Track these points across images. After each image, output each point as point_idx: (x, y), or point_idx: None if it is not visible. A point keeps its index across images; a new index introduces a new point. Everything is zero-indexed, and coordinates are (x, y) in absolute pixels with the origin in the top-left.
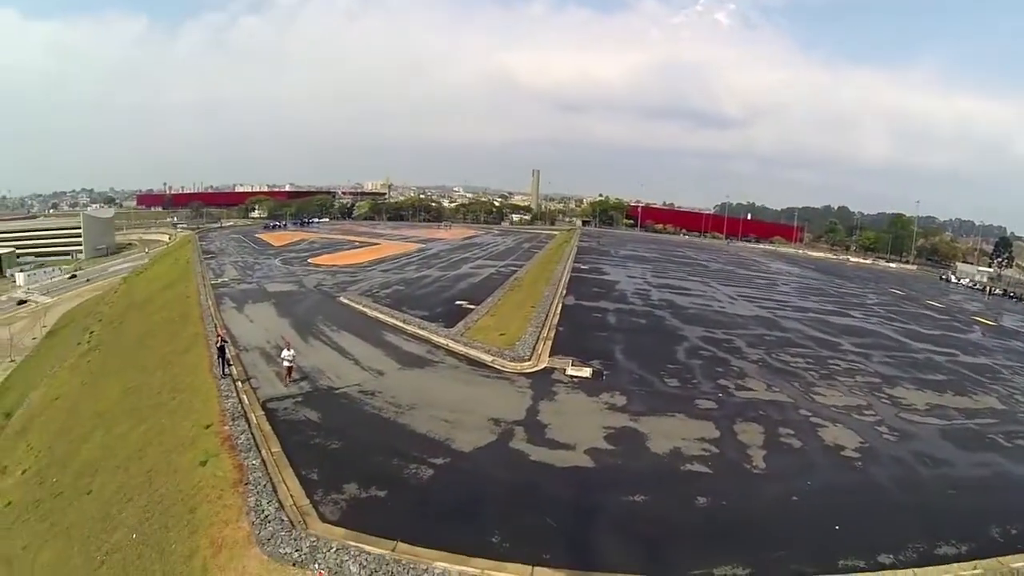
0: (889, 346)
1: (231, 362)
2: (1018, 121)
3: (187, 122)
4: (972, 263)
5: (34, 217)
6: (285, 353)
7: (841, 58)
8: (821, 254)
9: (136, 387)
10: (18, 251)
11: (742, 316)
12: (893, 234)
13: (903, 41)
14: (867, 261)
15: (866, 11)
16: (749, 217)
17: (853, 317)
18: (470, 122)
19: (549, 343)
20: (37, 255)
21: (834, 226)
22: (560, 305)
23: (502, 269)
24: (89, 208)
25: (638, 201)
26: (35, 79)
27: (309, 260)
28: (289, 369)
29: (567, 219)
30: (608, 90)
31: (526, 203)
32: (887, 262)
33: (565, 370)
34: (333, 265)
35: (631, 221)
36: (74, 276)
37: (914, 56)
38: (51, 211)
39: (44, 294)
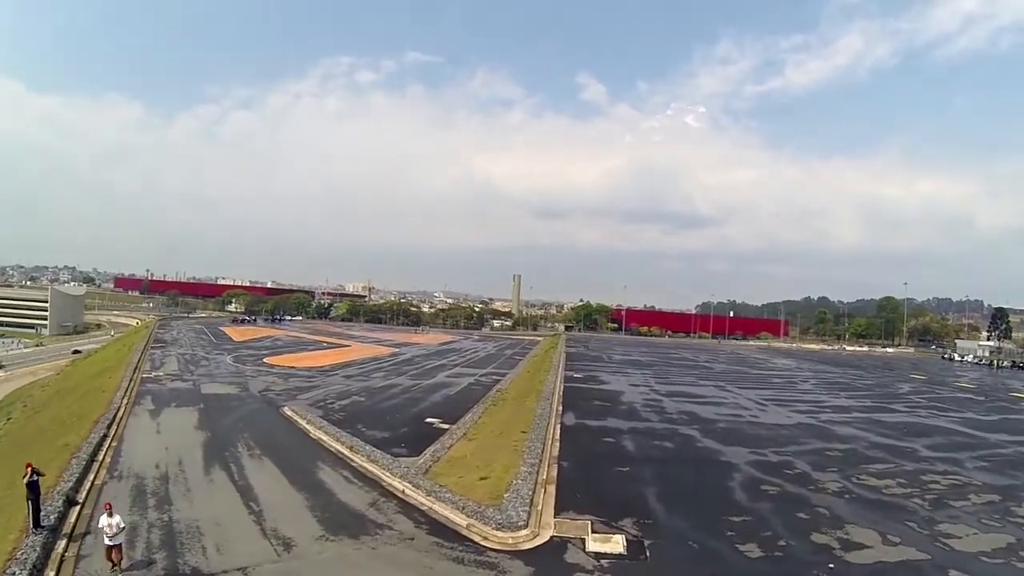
0: (968, 443)
1: (72, 507)
2: (980, 196)
3: (176, 211)
4: (965, 339)
5: (10, 286)
6: (104, 522)
7: (808, 152)
8: (815, 346)
9: None
10: None
11: (784, 426)
12: (884, 318)
13: (865, 132)
14: (863, 348)
15: (829, 106)
16: (732, 315)
17: (900, 412)
18: (451, 227)
19: (552, 490)
20: (0, 324)
21: (824, 316)
22: (558, 428)
23: (482, 379)
24: (64, 285)
25: (619, 305)
26: (31, 152)
27: (265, 359)
28: (111, 550)
29: (549, 324)
30: (587, 195)
31: (507, 309)
32: (883, 347)
33: (584, 542)
34: (291, 367)
35: (615, 325)
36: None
37: (876, 144)
38: (27, 283)
39: None
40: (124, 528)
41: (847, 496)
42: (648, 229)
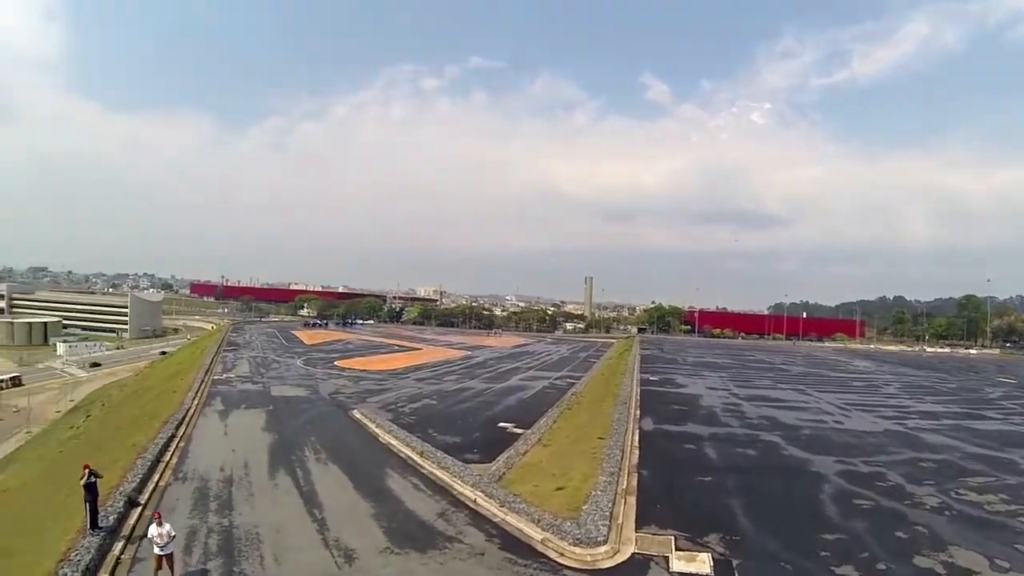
0: None
1: (134, 508)
2: None
3: (249, 219)
4: None
5: (92, 292)
6: (154, 531)
7: (875, 145)
8: (894, 347)
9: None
10: (66, 322)
11: (870, 434)
12: (965, 318)
13: (934, 121)
14: (944, 350)
15: (895, 96)
16: (805, 316)
17: (993, 419)
18: (521, 231)
19: (632, 501)
20: (84, 328)
21: (901, 316)
22: (637, 433)
23: (557, 382)
24: (143, 292)
25: (692, 306)
26: (109, 168)
27: (336, 362)
28: (161, 560)
29: (622, 327)
30: (654, 197)
31: (580, 311)
32: (965, 349)
33: (667, 560)
34: (362, 370)
35: (687, 327)
36: (97, 364)
37: (946, 134)
38: (110, 290)
39: (81, 368)
40: (174, 537)
41: (947, 513)
42: (716, 229)
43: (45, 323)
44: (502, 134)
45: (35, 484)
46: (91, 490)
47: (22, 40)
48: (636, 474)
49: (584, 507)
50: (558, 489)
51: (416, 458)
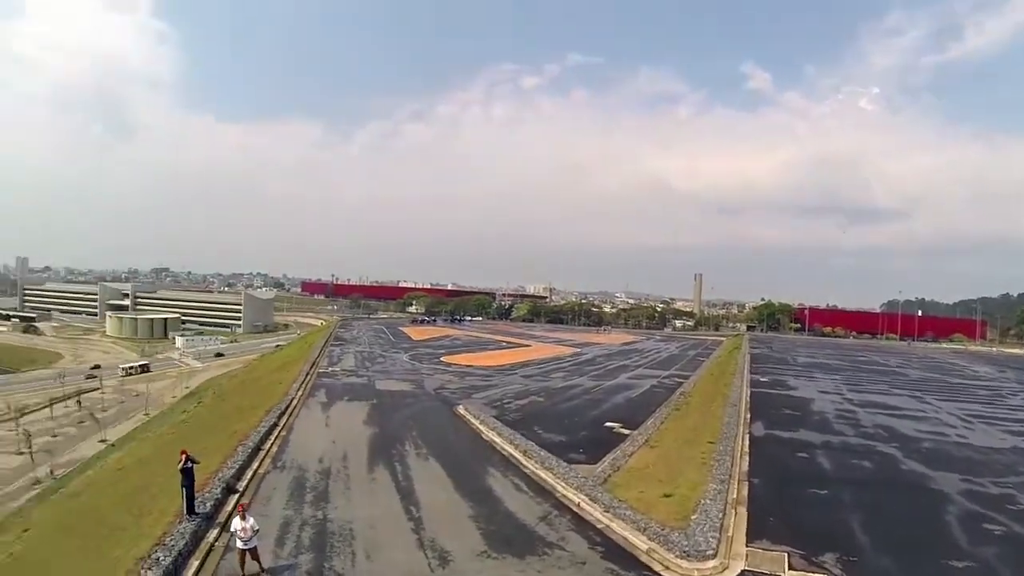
0: None
1: (231, 495)
2: None
3: (359, 219)
4: None
5: (209, 291)
6: (238, 525)
7: (994, 127)
8: (1020, 350)
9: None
10: (184, 318)
11: (998, 450)
12: None
13: None
14: None
15: (1013, 70)
16: (920, 314)
17: None
18: (629, 227)
19: (743, 512)
20: (200, 324)
21: None
22: (747, 438)
23: (665, 380)
24: (256, 290)
25: (801, 304)
26: (223, 175)
27: (443, 358)
28: (244, 554)
29: (730, 325)
30: (760, 190)
31: (688, 308)
32: None
33: None
34: (468, 366)
35: (797, 325)
36: (221, 355)
37: None
38: (225, 289)
39: (196, 359)
40: (258, 531)
41: None
42: (826, 224)
43: (165, 319)
44: (605, 130)
45: (147, 463)
46: (188, 475)
47: (138, 62)
48: (747, 483)
49: (693, 517)
50: (665, 496)
51: (519, 457)
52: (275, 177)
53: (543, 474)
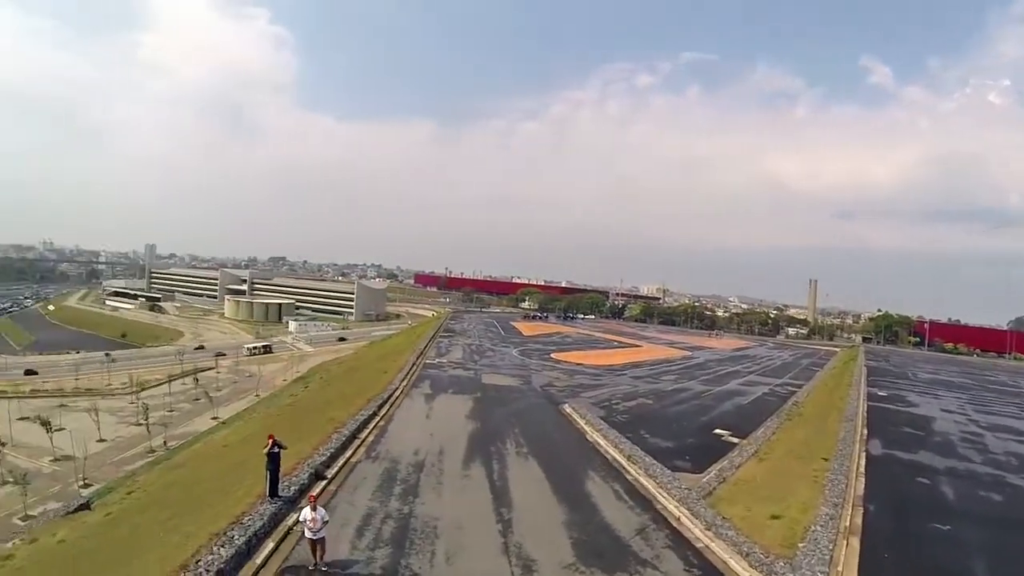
0: None
1: (319, 481)
2: None
3: (473, 215)
4: None
5: (323, 279)
6: (307, 515)
7: None
8: None
9: (215, 473)
10: (298, 304)
11: None
12: None
13: None
14: None
15: None
16: None
17: None
18: (744, 229)
19: (855, 544)
20: (314, 310)
21: None
22: (863, 457)
23: (777, 389)
24: (369, 280)
25: (921, 317)
26: (341, 170)
27: (552, 355)
28: (314, 544)
29: (845, 335)
30: (880, 192)
31: (802, 316)
32: None
33: None
34: (577, 364)
35: (916, 339)
36: (344, 339)
37: None
38: (339, 278)
39: (308, 344)
40: (328, 523)
41: None
42: (950, 230)
43: (280, 304)
44: (719, 129)
45: (248, 442)
46: (273, 459)
47: (258, 66)
48: (861, 508)
49: (801, 545)
50: (773, 517)
51: (622, 461)
52: (391, 173)
53: (645, 482)
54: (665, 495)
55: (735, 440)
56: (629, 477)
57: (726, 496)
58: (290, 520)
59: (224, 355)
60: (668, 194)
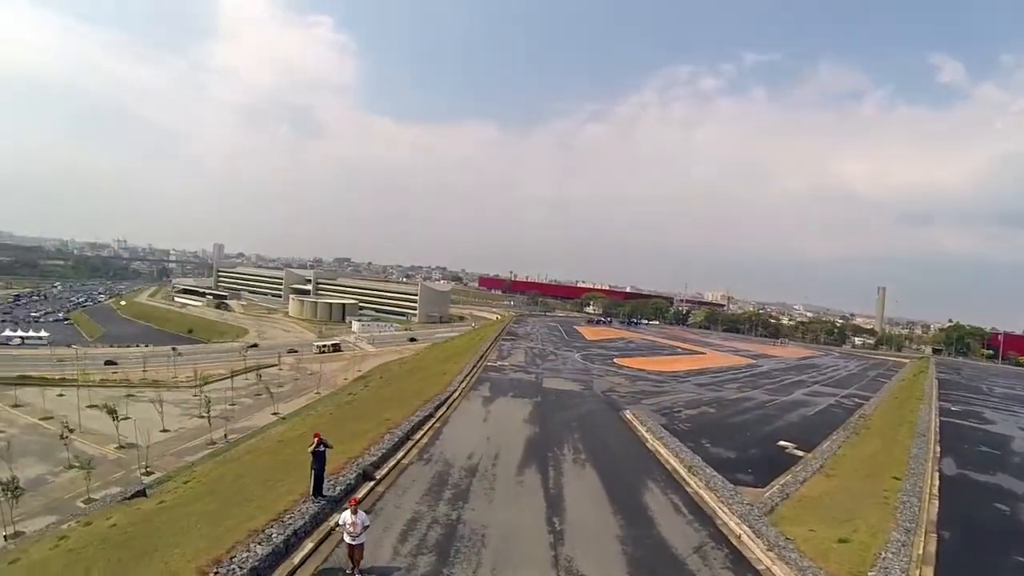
0: None
1: (367, 482)
2: None
3: (538, 219)
4: None
5: (387, 281)
6: (347, 519)
7: None
8: None
9: (261, 469)
10: (361, 305)
11: None
12: None
13: None
14: None
15: None
16: None
17: None
18: (808, 235)
19: (929, 574)
20: (377, 311)
21: None
22: (936, 477)
23: (844, 400)
24: (434, 282)
25: (995, 329)
26: (404, 172)
27: (615, 359)
28: (352, 549)
29: (914, 346)
30: (952, 195)
31: (869, 326)
32: None
33: None
34: (640, 369)
35: (990, 351)
36: (414, 339)
37: None
38: (403, 279)
39: (370, 344)
40: (368, 527)
41: None
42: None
43: (343, 304)
44: (784, 131)
45: (304, 438)
46: (319, 458)
47: (322, 70)
48: (935, 535)
49: (870, 574)
50: (840, 541)
51: (683, 472)
52: (454, 175)
53: (705, 495)
54: (726, 510)
55: (800, 453)
56: (689, 489)
57: (789, 514)
58: (332, 521)
59: (296, 351)
60: (731, 198)
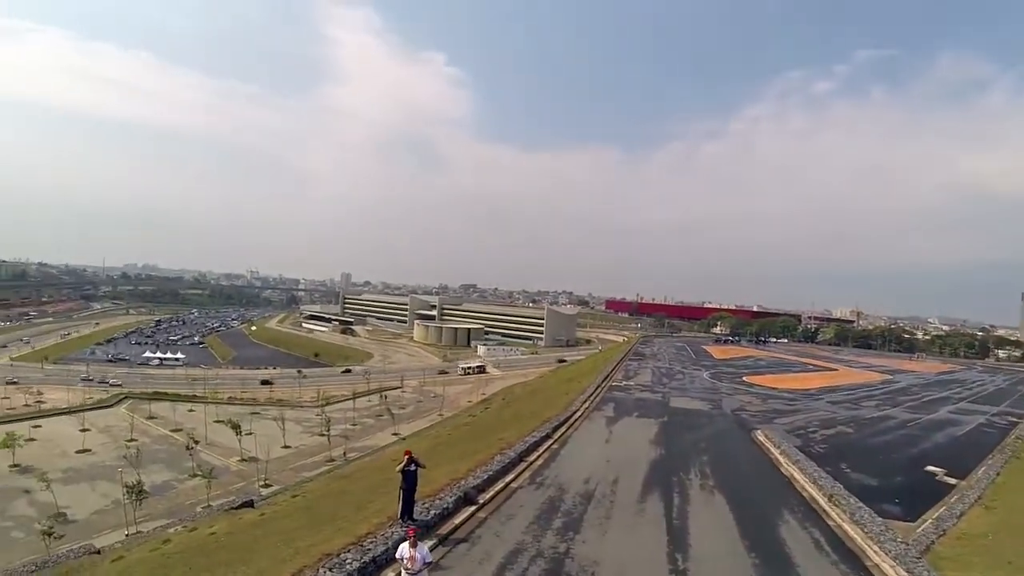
0: None
1: (468, 506)
2: None
3: (661, 241)
4: None
5: (514, 306)
6: (405, 553)
7: None
8: None
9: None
10: (487, 329)
11: None
12: None
13: None
14: None
15: None
16: None
17: None
18: (941, 243)
19: None
20: (503, 335)
21: None
22: None
23: (995, 419)
24: (560, 306)
25: None
26: (531, 199)
27: (744, 377)
28: None
29: None
30: None
31: (1014, 337)
32: None
33: None
34: (771, 387)
35: None
36: (563, 361)
37: None
38: (530, 304)
39: (496, 367)
40: (430, 564)
41: None
42: None
43: (469, 328)
44: (908, 131)
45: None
46: (408, 478)
47: (439, 105)
48: None
49: None
50: None
51: (822, 502)
52: (579, 199)
53: (850, 529)
54: (877, 550)
55: (951, 480)
56: (831, 522)
57: (950, 554)
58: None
59: (445, 373)
60: (854, 209)
